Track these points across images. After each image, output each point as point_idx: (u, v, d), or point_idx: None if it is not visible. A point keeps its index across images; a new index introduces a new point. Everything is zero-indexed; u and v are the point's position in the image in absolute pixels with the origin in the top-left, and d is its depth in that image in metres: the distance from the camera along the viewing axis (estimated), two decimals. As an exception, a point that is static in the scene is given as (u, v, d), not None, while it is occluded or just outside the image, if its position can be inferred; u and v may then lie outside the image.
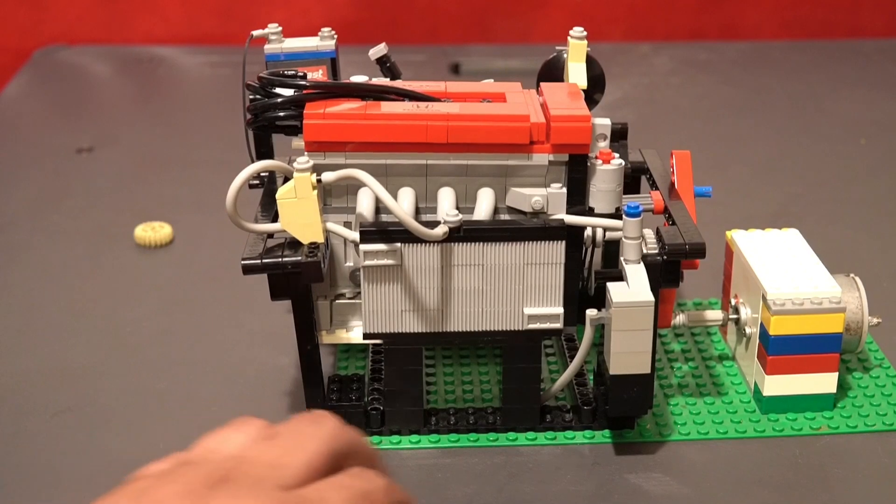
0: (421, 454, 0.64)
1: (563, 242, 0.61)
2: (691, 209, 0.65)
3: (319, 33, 0.69)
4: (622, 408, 0.62)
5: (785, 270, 0.67)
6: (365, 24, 1.37)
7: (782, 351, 0.65)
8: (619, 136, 0.71)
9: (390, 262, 0.60)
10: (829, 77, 1.26)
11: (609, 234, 0.64)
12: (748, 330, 0.68)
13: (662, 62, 1.31)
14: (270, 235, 0.62)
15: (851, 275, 0.70)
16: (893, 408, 0.67)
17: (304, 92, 0.62)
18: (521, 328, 0.62)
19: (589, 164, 0.62)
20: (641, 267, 0.60)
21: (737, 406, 0.68)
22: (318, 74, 0.67)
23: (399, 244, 0.60)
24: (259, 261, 0.59)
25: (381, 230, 0.60)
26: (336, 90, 0.63)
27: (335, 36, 0.69)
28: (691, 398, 0.68)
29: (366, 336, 0.63)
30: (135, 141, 1.11)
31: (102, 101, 1.25)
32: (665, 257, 0.60)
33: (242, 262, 0.59)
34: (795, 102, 1.19)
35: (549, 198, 0.62)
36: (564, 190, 0.62)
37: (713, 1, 1.41)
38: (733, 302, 0.71)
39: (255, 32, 0.68)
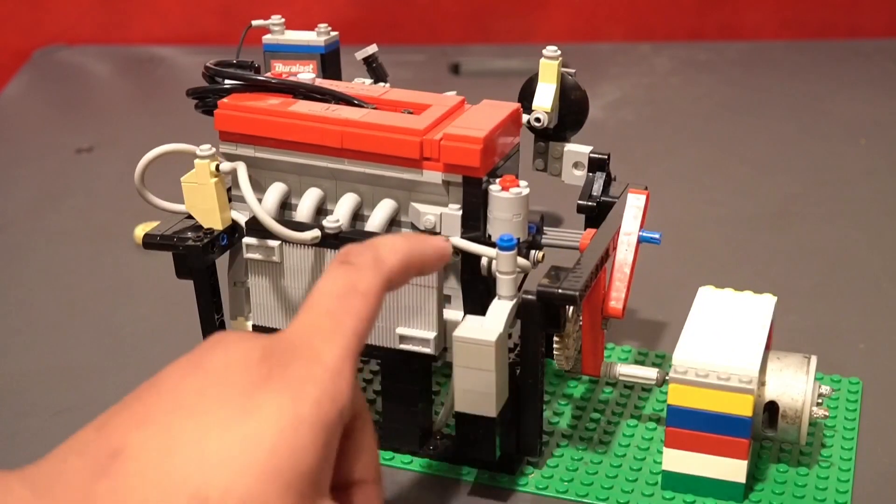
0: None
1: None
2: (633, 255, 0.61)
3: (316, 29, 0.69)
4: (468, 449, 0.59)
5: (715, 337, 0.59)
6: (365, 23, 1.37)
7: (681, 424, 0.58)
8: (596, 168, 0.65)
9: (270, 257, 0.60)
10: (829, 77, 1.26)
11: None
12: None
13: (662, 62, 1.31)
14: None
15: (810, 356, 0.60)
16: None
17: (227, 83, 0.63)
18: (393, 346, 0.60)
19: (486, 188, 0.58)
20: (510, 304, 0.56)
21: (636, 474, 0.60)
22: (308, 69, 0.67)
23: (278, 242, 0.60)
24: (157, 237, 0.61)
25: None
26: (269, 85, 0.62)
27: (331, 32, 0.69)
28: (596, 456, 0.62)
29: (254, 328, 0.62)
30: (135, 141, 1.10)
31: (102, 101, 1.25)
32: (536, 297, 0.56)
33: (144, 236, 0.61)
34: (795, 102, 1.19)
35: (442, 218, 0.59)
36: (460, 212, 0.59)
37: (713, 1, 1.41)
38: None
39: (255, 22, 0.68)
